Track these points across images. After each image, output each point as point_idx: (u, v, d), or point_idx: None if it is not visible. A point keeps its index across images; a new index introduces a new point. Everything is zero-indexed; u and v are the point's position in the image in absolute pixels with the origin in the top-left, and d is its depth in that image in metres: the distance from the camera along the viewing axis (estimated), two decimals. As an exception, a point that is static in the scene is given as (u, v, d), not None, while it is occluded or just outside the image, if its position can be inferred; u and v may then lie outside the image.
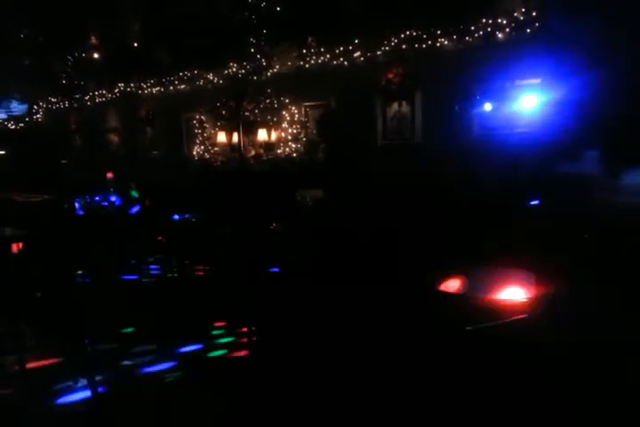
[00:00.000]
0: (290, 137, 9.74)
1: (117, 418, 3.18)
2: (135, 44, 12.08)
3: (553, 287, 3.77)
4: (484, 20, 7.34)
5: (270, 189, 7.20)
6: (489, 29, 7.32)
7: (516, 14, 7.08)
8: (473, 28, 7.45)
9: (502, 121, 7.32)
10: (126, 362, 3.89)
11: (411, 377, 3.29)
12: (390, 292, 4.02)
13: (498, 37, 7.26)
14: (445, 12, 7.56)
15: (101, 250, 5.88)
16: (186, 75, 11.28)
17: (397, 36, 8.22)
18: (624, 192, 4.68)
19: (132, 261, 6.14)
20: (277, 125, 9.80)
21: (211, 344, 4.17)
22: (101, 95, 13.45)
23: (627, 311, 3.29)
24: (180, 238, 5.67)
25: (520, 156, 6.50)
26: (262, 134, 9.70)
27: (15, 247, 4.97)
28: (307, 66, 9.35)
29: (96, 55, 13.15)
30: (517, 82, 7.14)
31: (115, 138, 13.58)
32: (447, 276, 4.10)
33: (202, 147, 11.00)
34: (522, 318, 3.47)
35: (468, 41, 7.55)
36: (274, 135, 9.79)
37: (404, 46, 8.20)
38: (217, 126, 10.53)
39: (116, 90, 12.96)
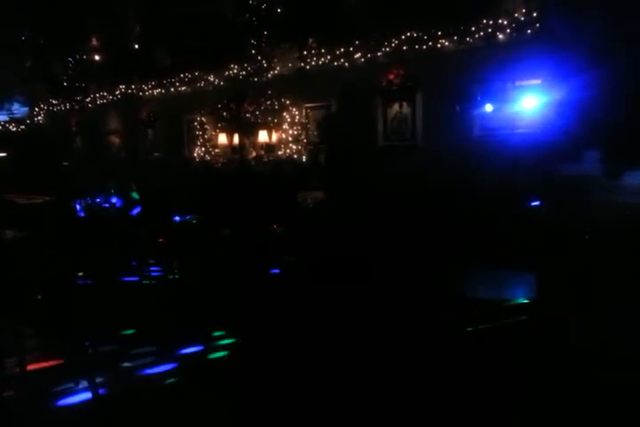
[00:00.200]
0: (290, 138, 9.74)
1: (117, 420, 3.18)
2: (136, 46, 12.10)
3: (555, 288, 3.76)
4: (484, 21, 7.34)
5: (271, 191, 7.19)
6: (489, 30, 7.32)
7: (516, 15, 7.08)
8: (473, 28, 7.45)
9: (503, 122, 7.32)
10: (127, 364, 3.89)
11: (409, 378, 3.28)
12: (391, 293, 4.01)
13: (498, 38, 7.26)
14: (446, 13, 7.56)
15: (102, 252, 5.89)
16: (187, 76, 11.28)
17: (398, 37, 8.22)
18: (624, 193, 4.68)
19: (133, 263, 6.14)
20: (278, 127, 9.80)
21: (211, 346, 4.16)
22: (102, 97, 13.46)
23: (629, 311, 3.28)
24: (181, 240, 5.68)
25: (521, 156, 6.50)
26: (263, 136, 9.70)
27: (17, 249, 4.97)
28: (307, 67, 9.36)
29: (97, 57, 13.16)
30: (518, 83, 7.13)
31: (116, 140, 13.59)
32: (447, 276, 4.10)
33: (203, 148, 11.00)
34: (522, 320, 3.46)
35: (468, 42, 7.55)
36: (274, 137, 9.79)
37: (404, 47, 8.20)
38: (218, 128, 10.53)
39: (117, 92, 12.98)
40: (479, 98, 7.37)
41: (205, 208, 6.78)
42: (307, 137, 9.67)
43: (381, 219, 5.31)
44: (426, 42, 7.95)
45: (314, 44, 9.23)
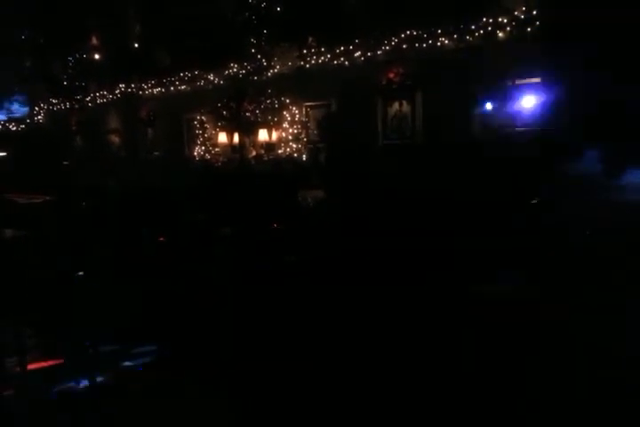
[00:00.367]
0: (291, 137, 9.74)
1: (117, 419, 3.18)
2: (136, 45, 12.10)
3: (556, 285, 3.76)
4: (484, 20, 7.33)
5: (271, 190, 7.19)
6: (489, 28, 7.31)
7: (516, 13, 7.06)
8: (473, 27, 7.44)
9: (503, 120, 7.31)
10: (127, 363, 3.89)
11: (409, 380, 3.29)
12: (391, 292, 4.01)
13: (498, 36, 7.25)
14: (446, 12, 7.55)
15: (103, 250, 5.87)
16: (186, 75, 11.28)
17: (398, 36, 8.22)
18: (625, 191, 4.67)
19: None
20: (278, 126, 9.80)
21: (211, 345, 4.15)
22: (102, 96, 13.46)
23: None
24: (181, 239, 5.67)
25: (520, 154, 6.49)
26: (263, 135, 9.70)
27: (17, 248, 4.98)
28: (307, 66, 9.35)
29: (97, 56, 13.16)
30: (518, 81, 7.13)
31: (116, 139, 13.59)
32: (447, 275, 4.10)
33: (203, 147, 11.00)
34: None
35: (468, 40, 7.54)
36: (275, 136, 9.78)
37: (404, 46, 8.19)
38: (218, 127, 10.53)
39: (117, 91, 12.97)
40: (479, 96, 7.37)
41: (205, 207, 6.77)
42: (307, 136, 9.67)
43: (382, 217, 5.31)
44: (426, 40, 7.94)
45: (313, 43, 9.22)
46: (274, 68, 9.84)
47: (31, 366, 3.78)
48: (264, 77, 9.98)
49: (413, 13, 7.85)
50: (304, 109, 9.64)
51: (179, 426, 3.10)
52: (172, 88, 11.69)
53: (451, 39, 7.72)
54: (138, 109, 12.58)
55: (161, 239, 6.15)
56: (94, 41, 13.19)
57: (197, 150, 11.11)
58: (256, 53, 9.93)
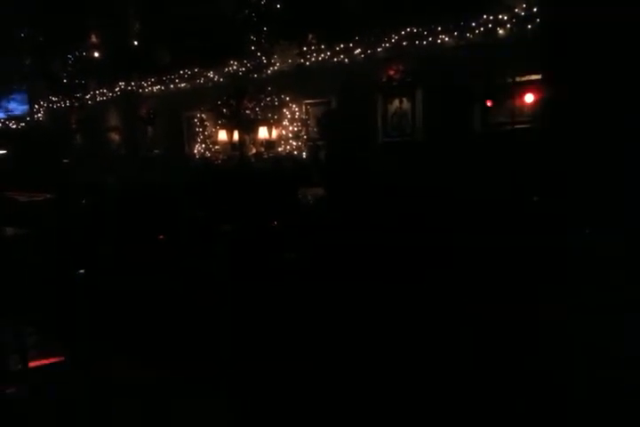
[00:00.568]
0: (290, 135, 9.73)
1: (117, 418, 3.18)
2: (135, 43, 12.08)
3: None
4: (484, 17, 7.32)
5: (271, 188, 7.19)
6: (489, 25, 7.30)
7: (516, 10, 7.06)
8: (473, 24, 7.43)
9: (503, 117, 7.31)
10: (127, 360, 3.89)
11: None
12: (391, 289, 4.01)
13: (498, 33, 7.24)
14: (446, 9, 7.54)
15: (103, 247, 5.88)
16: (186, 73, 11.27)
17: (398, 33, 8.20)
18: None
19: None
20: (278, 123, 9.80)
21: (211, 343, 4.16)
22: (102, 94, 13.45)
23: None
24: (181, 236, 5.67)
25: (521, 151, 6.48)
26: (263, 132, 9.69)
27: (17, 246, 4.98)
28: (307, 63, 9.34)
29: (96, 54, 13.15)
30: (518, 78, 7.12)
31: (116, 137, 13.59)
32: (447, 274, 4.10)
33: (203, 145, 11.00)
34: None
35: (468, 37, 7.53)
36: (274, 133, 9.78)
37: (404, 43, 8.18)
38: (218, 125, 10.52)
39: (117, 89, 12.96)
40: (479, 93, 7.36)
41: (205, 205, 6.77)
42: (307, 133, 9.66)
43: (381, 215, 5.31)
44: (426, 37, 7.93)
45: (313, 40, 9.21)
46: (274, 65, 9.83)
47: (32, 364, 3.78)
48: (264, 75, 9.98)
49: (413, 10, 7.83)
50: (304, 107, 9.63)
51: (178, 426, 3.11)
52: (171, 86, 11.68)
53: (451, 36, 7.72)
54: (138, 107, 12.58)
55: (161, 237, 6.16)
56: (94, 39, 13.17)
57: (197, 148, 11.10)
58: (256, 51, 9.92)
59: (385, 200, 5.88)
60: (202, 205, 6.67)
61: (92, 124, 13.97)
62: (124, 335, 4.41)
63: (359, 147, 8.68)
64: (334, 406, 3.07)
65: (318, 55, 9.19)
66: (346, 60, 8.88)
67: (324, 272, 4.50)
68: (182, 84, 11.48)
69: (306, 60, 9.34)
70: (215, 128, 10.63)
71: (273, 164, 9.43)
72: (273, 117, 9.76)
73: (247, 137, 10.01)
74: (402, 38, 8.19)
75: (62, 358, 3.92)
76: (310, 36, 9.24)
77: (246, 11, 9.69)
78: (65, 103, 14.55)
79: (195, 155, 11.14)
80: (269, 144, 9.87)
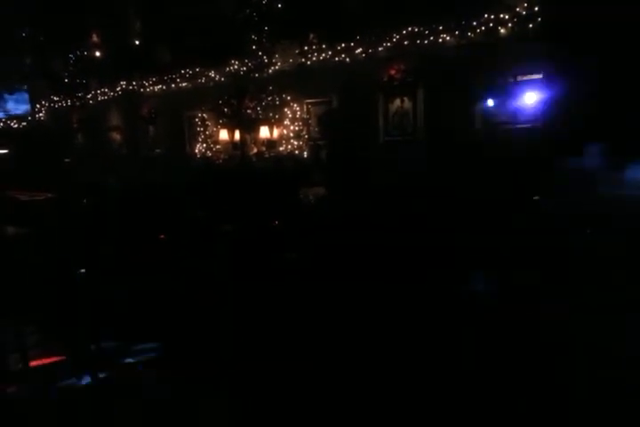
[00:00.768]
0: (292, 134, 9.73)
1: (117, 417, 3.18)
2: (137, 42, 12.08)
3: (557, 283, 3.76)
4: (485, 16, 7.30)
5: (272, 187, 7.19)
6: (491, 25, 7.28)
7: (517, 9, 7.04)
8: (475, 23, 7.42)
9: (505, 116, 7.30)
10: (129, 360, 3.89)
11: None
12: (391, 289, 4.01)
13: (500, 33, 7.23)
14: (447, 8, 7.53)
15: (104, 247, 5.88)
16: (187, 73, 11.27)
17: (399, 32, 8.19)
18: (627, 186, 4.66)
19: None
20: (279, 123, 9.79)
21: (211, 343, 4.15)
22: (103, 94, 13.45)
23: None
24: (183, 235, 5.67)
25: (523, 150, 6.48)
26: (264, 132, 9.68)
27: (18, 246, 4.98)
28: (308, 63, 9.33)
29: (98, 54, 13.15)
30: (519, 77, 7.11)
31: (117, 136, 13.59)
32: (447, 273, 4.09)
33: (204, 145, 11.00)
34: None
35: (469, 36, 7.52)
36: (276, 133, 9.77)
37: (405, 42, 8.16)
38: (219, 124, 10.51)
39: (118, 88, 12.96)
40: (480, 92, 7.35)
41: (206, 204, 6.77)
42: (308, 133, 9.66)
43: (383, 215, 5.30)
44: (427, 37, 7.92)
45: (314, 40, 9.20)
46: (275, 65, 9.82)
47: (33, 364, 3.78)
48: (265, 74, 9.97)
49: (415, 10, 7.82)
50: (305, 106, 9.63)
51: (178, 425, 3.11)
52: (173, 85, 11.67)
53: (452, 35, 7.69)
54: (139, 107, 12.58)
55: (162, 237, 6.15)
56: (95, 38, 13.17)
57: (198, 148, 11.10)
58: (257, 50, 9.91)
59: (386, 200, 5.88)
60: (203, 205, 6.67)
61: (93, 124, 13.97)
62: (124, 335, 4.41)
63: (360, 146, 8.67)
64: (334, 406, 3.07)
65: (319, 54, 9.18)
66: (347, 59, 8.87)
67: (324, 272, 4.50)
68: (183, 84, 11.47)
69: (307, 59, 9.34)
70: (216, 128, 10.62)
71: (274, 163, 9.43)
72: (274, 117, 9.76)
73: (248, 136, 10.01)
74: (403, 38, 8.17)
75: (63, 358, 3.92)
76: (311, 36, 9.24)
77: (247, 10, 9.69)
78: (66, 103, 14.55)
79: (196, 154, 11.14)
80: (270, 144, 9.87)
